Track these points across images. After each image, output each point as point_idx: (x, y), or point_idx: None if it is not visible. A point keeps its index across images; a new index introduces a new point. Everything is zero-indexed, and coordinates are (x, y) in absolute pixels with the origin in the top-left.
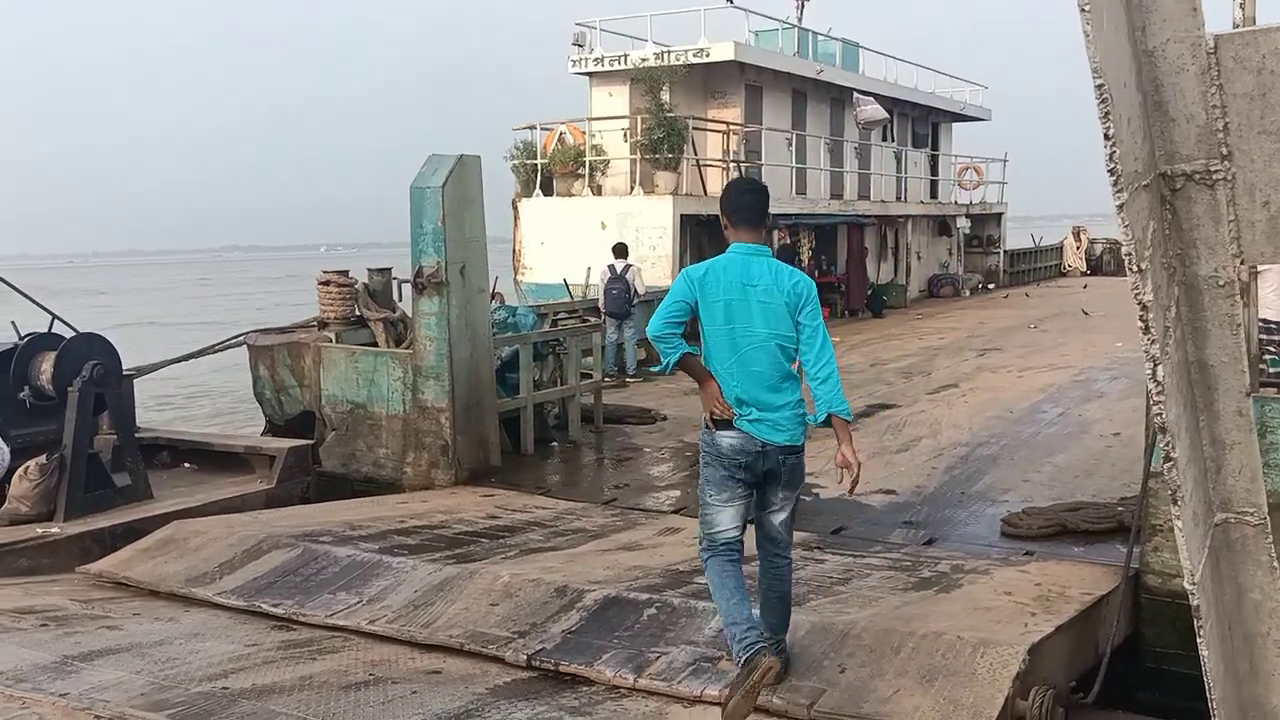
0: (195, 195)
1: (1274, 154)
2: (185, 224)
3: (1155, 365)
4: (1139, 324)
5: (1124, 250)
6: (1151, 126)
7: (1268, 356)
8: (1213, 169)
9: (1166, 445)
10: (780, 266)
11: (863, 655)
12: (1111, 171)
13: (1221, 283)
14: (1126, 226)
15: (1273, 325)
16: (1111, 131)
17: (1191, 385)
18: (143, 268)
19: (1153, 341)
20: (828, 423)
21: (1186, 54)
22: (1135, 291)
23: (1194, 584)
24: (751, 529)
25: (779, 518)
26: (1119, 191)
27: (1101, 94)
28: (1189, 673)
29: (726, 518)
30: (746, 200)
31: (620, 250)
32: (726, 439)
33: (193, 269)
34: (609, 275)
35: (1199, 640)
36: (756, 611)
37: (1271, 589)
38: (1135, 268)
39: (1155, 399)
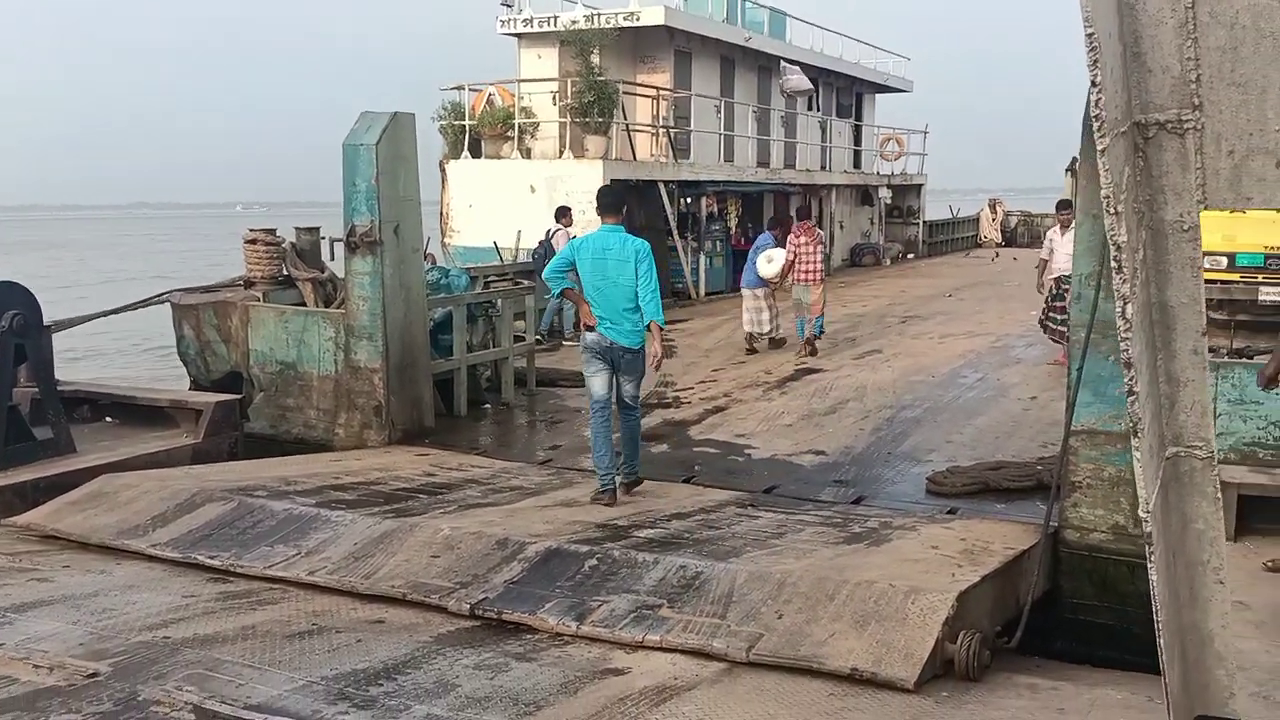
0: (100, 149)
1: (1241, 105)
2: (90, 179)
3: (1125, 304)
4: (1113, 264)
5: (1103, 194)
6: (1129, 77)
7: (1056, 315)
8: (1184, 118)
9: (1130, 380)
10: (626, 237)
11: (799, 602)
12: (1097, 118)
13: (1186, 227)
14: (1106, 171)
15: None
16: (1098, 79)
17: (1152, 325)
18: (47, 224)
19: (1124, 281)
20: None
21: (1166, 7)
22: (1111, 233)
23: (1148, 512)
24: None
25: (626, 389)
26: (1101, 137)
27: (1091, 43)
28: (1103, 623)
29: (596, 385)
30: (605, 199)
31: (559, 213)
32: (591, 336)
33: (103, 226)
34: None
35: (1149, 566)
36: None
37: (1214, 519)
38: (1112, 210)
39: (1123, 336)
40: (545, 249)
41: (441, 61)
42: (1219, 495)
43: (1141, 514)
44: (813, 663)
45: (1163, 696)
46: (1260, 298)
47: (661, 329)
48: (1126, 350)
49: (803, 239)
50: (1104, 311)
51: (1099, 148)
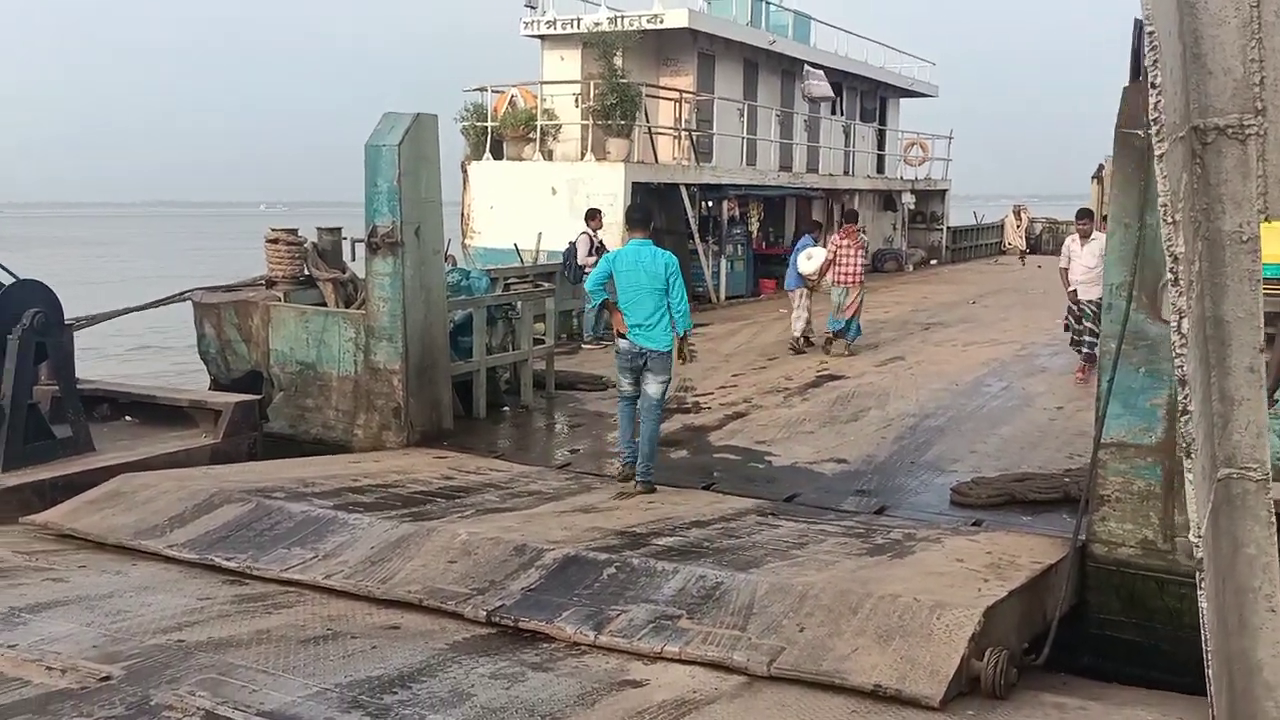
0: (122, 147)
1: None
2: (114, 177)
3: (1181, 318)
4: (1169, 276)
5: (1160, 202)
6: (1189, 79)
7: (1086, 338)
8: (1246, 123)
9: (1184, 399)
10: (656, 251)
11: (821, 615)
12: (1154, 121)
13: (1245, 238)
14: (1164, 178)
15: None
16: (1158, 80)
17: (1206, 340)
18: (72, 221)
19: (1180, 294)
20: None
21: (1229, 6)
22: (1168, 244)
23: (1199, 537)
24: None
25: (651, 389)
26: (1159, 142)
27: (1151, 41)
28: (1131, 639)
29: (625, 383)
30: (634, 216)
31: (589, 215)
32: (622, 343)
33: (129, 223)
34: None
35: (1199, 593)
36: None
37: (1267, 544)
38: (1169, 219)
39: (1178, 351)
40: (571, 250)
41: (455, 61)
42: (1273, 519)
43: (1192, 538)
44: (835, 678)
45: None
46: None
47: (689, 333)
48: (1181, 367)
49: (845, 241)
50: (1135, 322)
51: (1156, 153)
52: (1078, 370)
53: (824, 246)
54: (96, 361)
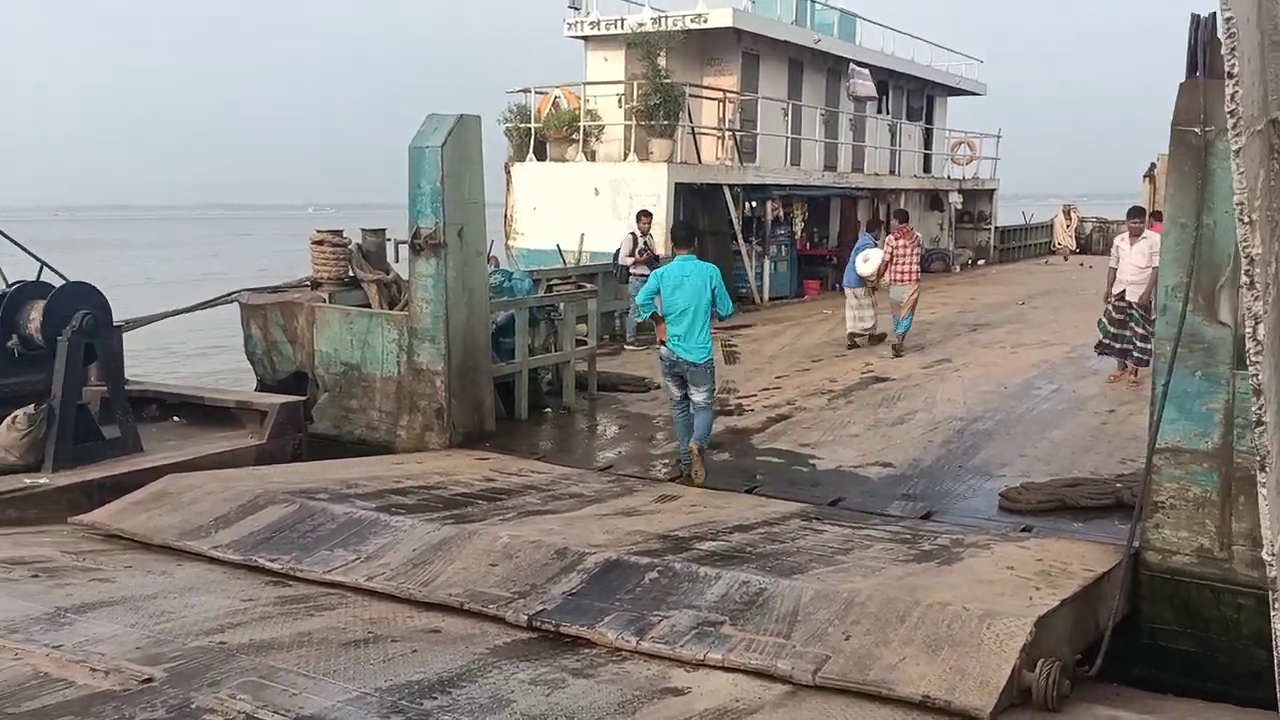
0: (175, 150)
1: None
2: (164, 179)
3: (1256, 324)
4: (1244, 279)
5: (1235, 200)
6: (1267, 69)
7: (1137, 343)
8: None
9: (1258, 409)
10: (700, 264)
11: (868, 623)
12: (1231, 114)
13: None
14: (1240, 174)
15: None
16: (1236, 69)
17: None
18: (129, 223)
19: (1256, 298)
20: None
21: None
22: (1243, 244)
23: (1273, 555)
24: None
25: (696, 395)
26: (1236, 135)
27: (1229, 28)
28: (1185, 649)
29: (672, 389)
30: (679, 234)
31: (639, 216)
32: (663, 351)
33: (185, 225)
34: None
35: (1273, 612)
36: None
37: None
38: (1245, 219)
39: (1253, 359)
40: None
41: (506, 60)
42: None
43: (1266, 557)
44: (882, 688)
45: None
46: None
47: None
48: (1256, 375)
49: (901, 241)
50: (1191, 324)
51: (1233, 147)
52: (1113, 375)
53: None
54: (147, 363)
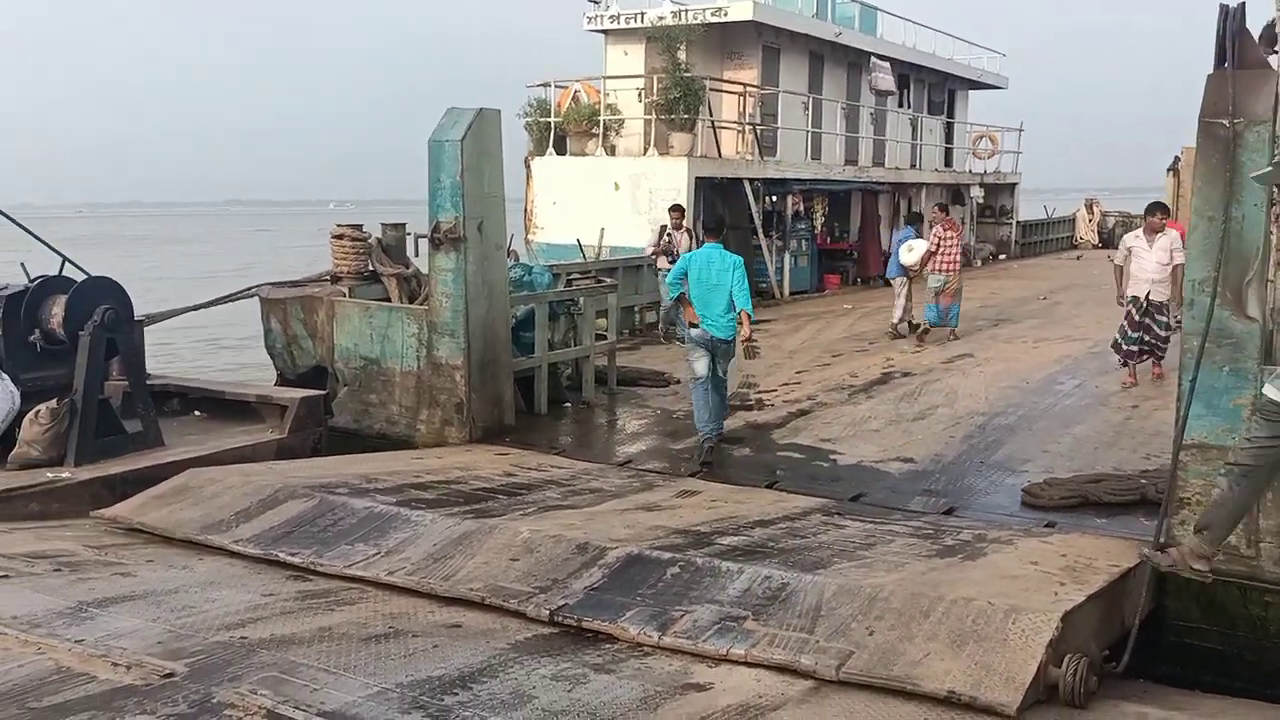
0: (193, 148)
1: None
2: (184, 177)
3: None
4: None
5: None
6: None
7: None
8: None
9: None
10: (725, 253)
11: (891, 618)
12: None
13: None
14: None
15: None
16: None
17: None
18: (151, 220)
19: None
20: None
21: None
22: None
23: None
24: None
25: (721, 367)
26: None
27: None
28: (1211, 647)
29: (699, 367)
30: (709, 225)
31: (672, 209)
32: (694, 331)
33: (198, 221)
34: None
35: None
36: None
37: None
38: None
39: None
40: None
41: (516, 58)
42: None
43: None
44: (906, 684)
45: None
46: None
47: (750, 318)
48: None
49: (948, 233)
50: (1218, 319)
51: None
52: (1127, 377)
53: (923, 238)
54: (168, 357)
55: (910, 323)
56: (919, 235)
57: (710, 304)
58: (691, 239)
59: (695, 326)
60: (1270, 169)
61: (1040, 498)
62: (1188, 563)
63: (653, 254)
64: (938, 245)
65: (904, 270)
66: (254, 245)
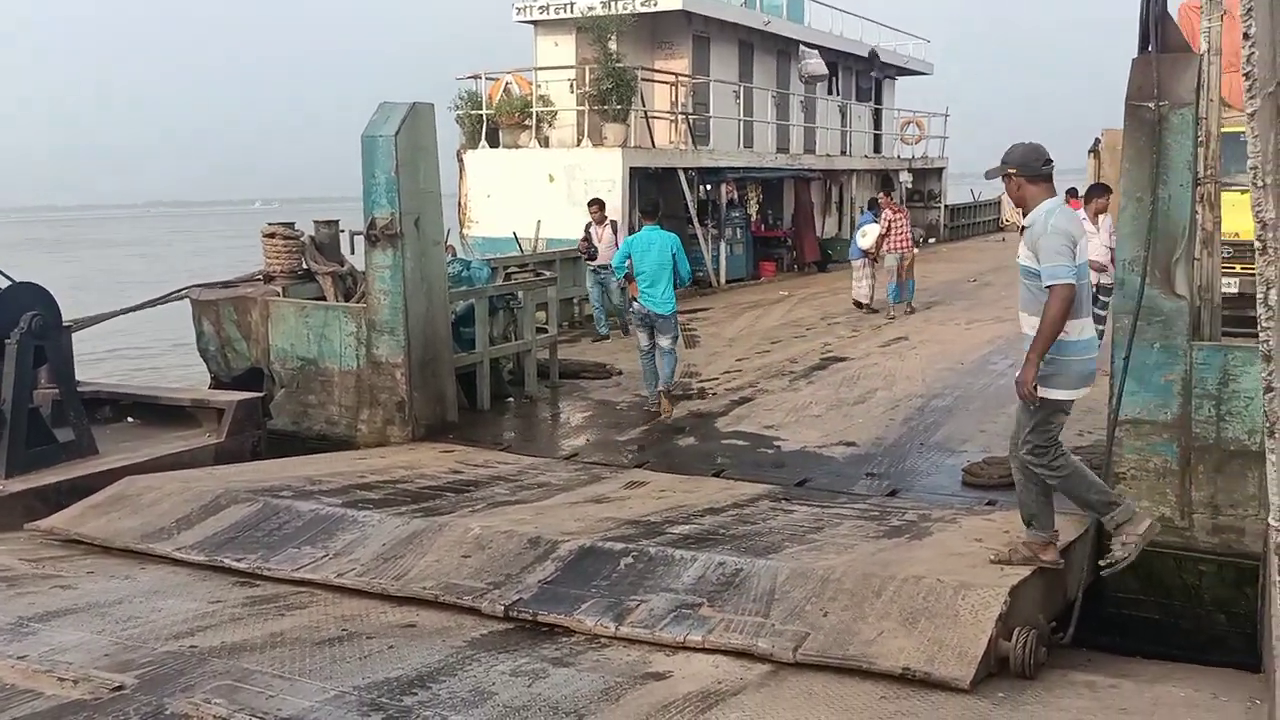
0: (111, 151)
1: None
2: (100, 181)
3: (1269, 289)
4: (1256, 244)
5: (1249, 165)
6: (1277, 31)
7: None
8: None
9: (1268, 375)
10: (663, 234)
11: (845, 599)
12: (1247, 75)
13: None
14: (1255, 137)
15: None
16: (1252, 30)
17: None
18: (67, 225)
19: (1269, 263)
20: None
21: None
22: (1257, 209)
23: (1278, 521)
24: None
25: (663, 341)
26: (1251, 98)
27: None
28: (1148, 617)
29: (641, 339)
30: (646, 208)
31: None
32: (636, 305)
33: (123, 224)
34: None
35: (1273, 582)
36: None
37: None
38: (1259, 183)
39: (1264, 325)
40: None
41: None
42: None
43: (1272, 521)
44: (862, 663)
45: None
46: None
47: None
48: (1268, 341)
49: (896, 215)
50: (1148, 297)
51: (1248, 110)
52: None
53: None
54: (95, 364)
55: (868, 305)
56: (876, 221)
57: (650, 280)
58: (615, 233)
59: (635, 301)
60: (997, 166)
61: (980, 476)
62: (1039, 557)
63: (583, 255)
64: (888, 227)
65: (864, 253)
66: (180, 249)
